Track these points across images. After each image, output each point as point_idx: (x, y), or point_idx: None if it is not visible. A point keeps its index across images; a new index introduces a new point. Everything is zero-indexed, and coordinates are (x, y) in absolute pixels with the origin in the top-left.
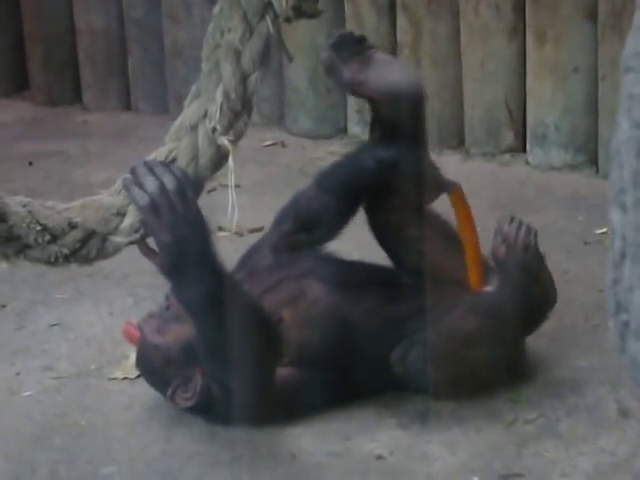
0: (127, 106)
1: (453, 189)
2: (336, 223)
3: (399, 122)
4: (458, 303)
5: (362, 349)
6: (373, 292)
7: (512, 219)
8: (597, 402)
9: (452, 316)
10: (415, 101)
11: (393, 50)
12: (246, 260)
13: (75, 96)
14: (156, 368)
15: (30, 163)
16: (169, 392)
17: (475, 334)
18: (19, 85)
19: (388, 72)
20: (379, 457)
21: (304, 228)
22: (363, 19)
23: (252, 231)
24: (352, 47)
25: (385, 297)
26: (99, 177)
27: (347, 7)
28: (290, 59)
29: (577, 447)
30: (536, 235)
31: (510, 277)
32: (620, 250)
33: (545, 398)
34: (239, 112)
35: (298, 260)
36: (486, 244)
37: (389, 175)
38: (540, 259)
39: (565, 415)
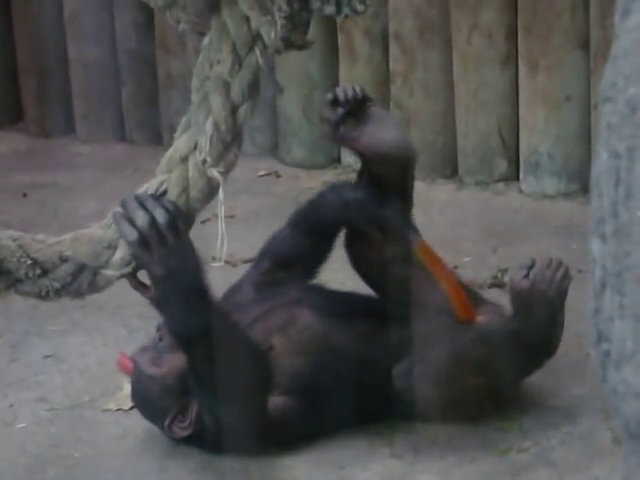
0: (121, 137)
1: (414, 244)
2: (312, 260)
3: (387, 180)
4: (467, 329)
5: (354, 376)
6: (362, 320)
7: (550, 259)
8: (591, 431)
9: (461, 341)
10: (405, 162)
11: (386, 79)
12: (228, 297)
13: (69, 127)
14: (152, 399)
15: (24, 195)
16: (167, 422)
17: (481, 361)
18: (13, 117)
19: (382, 130)
20: None
21: (281, 266)
22: (356, 49)
23: (245, 262)
24: (350, 103)
25: (375, 325)
26: (93, 208)
27: (340, 37)
28: (280, 91)
29: (571, 476)
30: (569, 280)
31: (526, 309)
32: (600, 280)
33: (539, 427)
34: (229, 144)
35: (286, 290)
36: (479, 273)
37: (357, 218)
38: (563, 299)
39: (559, 444)
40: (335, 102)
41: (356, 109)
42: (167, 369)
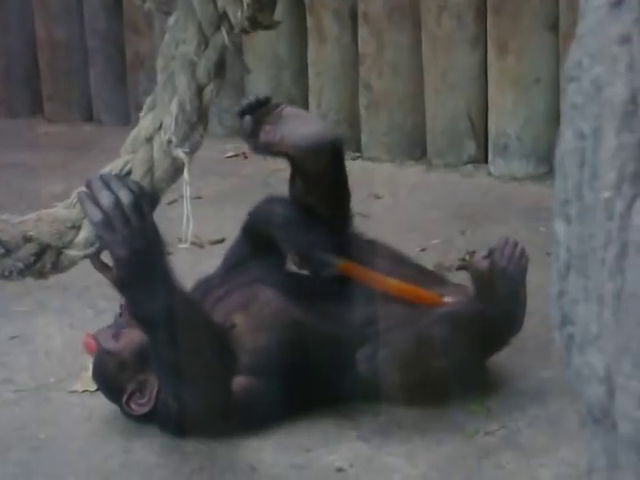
0: (89, 117)
1: (333, 267)
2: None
3: (319, 176)
4: (429, 311)
5: (317, 354)
6: (324, 299)
7: (506, 239)
8: (558, 413)
9: (423, 323)
10: (331, 151)
11: (355, 61)
12: (197, 290)
13: (37, 108)
14: (110, 375)
15: None
16: (124, 398)
17: (445, 343)
18: None
19: (300, 126)
20: (339, 469)
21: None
22: (325, 30)
23: (213, 243)
24: (259, 110)
25: (336, 304)
26: (60, 189)
27: (309, 19)
28: (247, 71)
29: (538, 458)
30: (526, 259)
31: (488, 288)
32: (565, 262)
33: (506, 409)
34: (195, 124)
35: (248, 271)
36: (447, 256)
37: (280, 238)
38: (523, 276)
39: (526, 426)
40: (243, 113)
41: (268, 115)
42: (124, 343)
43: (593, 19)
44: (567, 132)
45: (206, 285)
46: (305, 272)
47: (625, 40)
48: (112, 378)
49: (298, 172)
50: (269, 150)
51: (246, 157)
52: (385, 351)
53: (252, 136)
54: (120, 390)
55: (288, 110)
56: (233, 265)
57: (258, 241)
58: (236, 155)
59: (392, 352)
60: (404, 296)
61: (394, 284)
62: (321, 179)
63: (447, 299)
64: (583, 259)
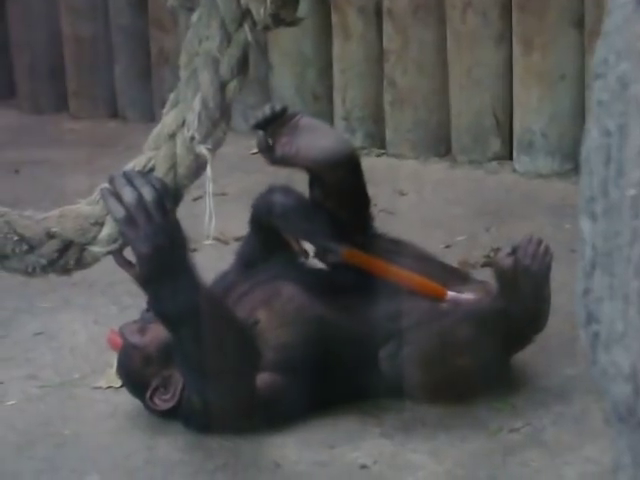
0: (114, 114)
1: (338, 254)
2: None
3: (338, 186)
4: (454, 309)
5: (340, 349)
6: (347, 294)
7: (530, 236)
8: (583, 411)
9: (447, 321)
10: (348, 162)
11: (380, 57)
12: (216, 284)
13: (62, 104)
14: (135, 370)
15: (16, 171)
16: (148, 393)
17: (469, 341)
18: (5, 93)
19: (316, 139)
20: (363, 466)
21: (252, 266)
22: (349, 26)
23: (237, 239)
24: (275, 122)
25: (359, 299)
26: (85, 185)
27: (334, 15)
28: (269, 67)
29: (562, 456)
30: (551, 256)
31: (512, 286)
32: (590, 260)
33: (531, 407)
34: (217, 120)
35: (270, 267)
36: (472, 252)
37: (280, 226)
38: (547, 274)
39: (551, 424)
40: (258, 127)
41: (284, 127)
42: (150, 338)
43: (619, 16)
44: (593, 129)
45: (223, 281)
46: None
47: None
48: (137, 372)
49: (316, 182)
50: (286, 163)
51: (270, 163)
52: (408, 349)
53: (267, 150)
54: (144, 385)
55: (304, 121)
56: (247, 260)
57: (266, 233)
58: None
59: (415, 350)
60: (407, 285)
61: (398, 272)
62: (339, 189)
63: (466, 295)
64: (608, 257)
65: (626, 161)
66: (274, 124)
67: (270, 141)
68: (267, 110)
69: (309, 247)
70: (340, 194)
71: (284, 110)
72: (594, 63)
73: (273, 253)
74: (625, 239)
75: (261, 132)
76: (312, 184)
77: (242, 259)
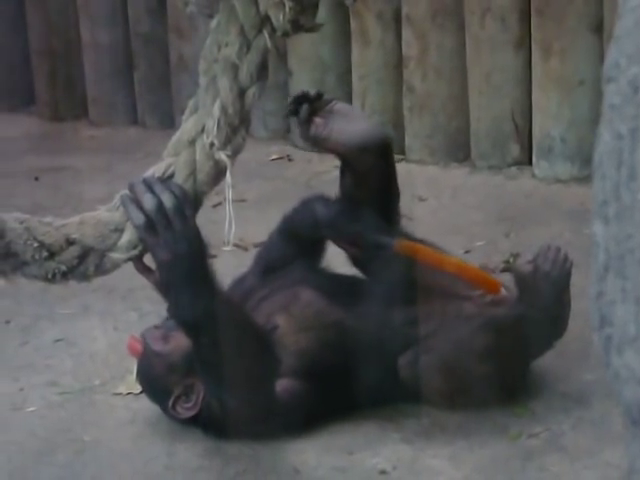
0: (134, 120)
1: (392, 248)
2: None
3: (368, 173)
4: (474, 316)
5: (358, 355)
6: (365, 300)
7: (549, 244)
8: (602, 415)
9: (467, 328)
10: (380, 150)
11: (399, 63)
12: (233, 288)
13: (82, 111)
14: (157, 377)
15: (36, 178)
16: (171, 401)
17: (489, 348)
18: (26, 100)
19: (350, 124)
20: (382, 472)
21: (274, 271)
22: (368, 33)
23: (257, 245)
24: (311, 105)
25: (378, 303)
26: (105, 192)
27: (352, 21)
28: (288, 72)
29: (582, 461)
30: (570, 263)
31: (532, 292)
32: (603, 263)
33: (550, 412)
34: (237, 127)
35: (289, 273)
36: (491, 258)
37: (329, 235)
38: (567, 280)
39: (570, 429)
40: (297, 102)
41: (320, 110)
42: (173, 346)
43: (630, 20)
44: (605, 133)
45: (241, 285)
46: (363, 264)
47: None
48: (159, 380)
49: (347, 168)
50: (317, 143)
51: (290, 160)
52: (428, 357)
53: (304, 126)
54: (166, 393)
55: (339, 106)
56: (269, 266)
57: (297, 242)
58: (280, 158)
59: (435, 358)
60: (463, 276)
61: (454, 262)
62: (370, 177)
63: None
64: (621, 260)
65: (638, 164)
66: (310, 107)
67: (307, 118)
68: (301, 94)
69: (358, 248)
70: (370, 182)
71: (321, 94)
72: (605, 67)
73: (295, 260)
74: (637, 242)
75: (303, 107)
76: (343, 172)
77: (262, 264)
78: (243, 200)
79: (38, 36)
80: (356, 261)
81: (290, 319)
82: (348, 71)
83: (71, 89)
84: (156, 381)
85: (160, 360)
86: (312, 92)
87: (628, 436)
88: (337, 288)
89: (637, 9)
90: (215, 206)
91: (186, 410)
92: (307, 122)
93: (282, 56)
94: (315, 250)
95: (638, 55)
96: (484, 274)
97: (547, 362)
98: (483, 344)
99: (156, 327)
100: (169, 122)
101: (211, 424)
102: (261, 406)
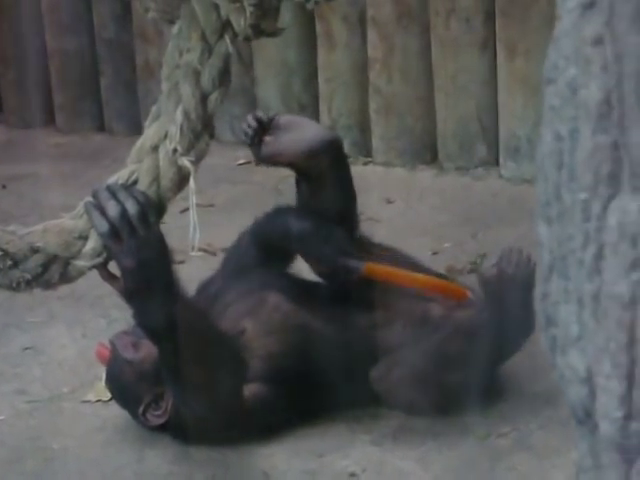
0: (100, 127)
1: (359, 271)
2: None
3: (323, 179)
4: (441, 320)
5: (328, 359)
6: (333, 304)
7: (510, 247)
8: (570, 415)
9: (436, 337)
10: (331, 152)
11: (364, 65)
12: (200, 292)
13: (48, 118)
14: (127, 384)
15: (3, 186)
16: (141, 409)
17: (458, 355)
18: None
19: (297, 133)
20: (352, 474)
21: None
22: (334, 35)
23: (225, 250)
24: (260, 128)
25: (345, 310)
26: (73, 199)
27: (318, 24)
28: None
29: (550, 460)
30: (534, 263)
31: (498, 295)
32: (548, 264)
33: (518, 411)
34: (199, 132)
35: (256, 277)
36: (459, 259)
37: (298, 250)
38: (532, 280)
39: (538, 428)
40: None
41: (268, 129)
42: (144, 354)
43: (568, 21)
44: (546, 134)
45: (208, 289)
46: (327, 279)
47: (598, 42)
48: (129, 388)
49: (302, 178)
50: (271, 161)
51: (257, 164)
52: (399, 370)
53: (255, 148)
54: (136, 400)
55: (284, 119)
56: (237, 268)
57: (266, 248)
58: (247, 162)
59: (407, 370)
60: (432, 290)
61: (421, 279)
62: (325, 181)
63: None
64: (563, 260)
65: (577, 165)
66: (257, 130)
67: (252, 138)
68: (250, 116)
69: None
70: (326, 187)
71: (259, 115)
72: (545, 68)
73: (264, 264)
74: (578, 243)
75: (247, 135)
76: (298, 183)
77: (230, 266)
78: (211, 205)
79: (4, 43)
80: (321, 274)
81: (257, 323)
82: (314, 74)
83: (37, 96)
84: (126, 388)
85: (130, 368)
86: (263, 115)
87: (576, 436)
88: (304, 292)
89: (573, 10)
90: (182, 212)
91: (156, 418)
92: (258, 144)
93: (248, 61)
94: (284, 257)
95: (576, 56)
96: (451, 285)
97: (515, 362)
98: (453, 351)
99: (125, 333)
100: (136, 128)
101: (179, 430)
102: (227, 412)
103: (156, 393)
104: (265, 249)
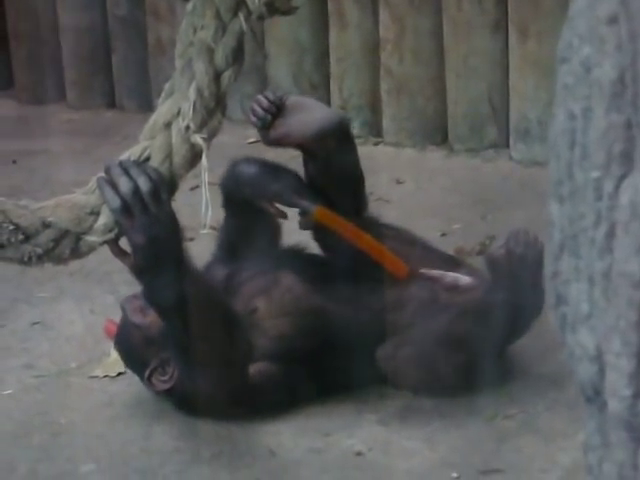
0: (111, 104)
1: (310, 211)
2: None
3: (332, 160)
4: (449, 302)
5: (338, 339)
6: (345, 283)
7: (518, 229)
8: (577, 397)
9: (445, 318)
10: (339, 133)
11: (376, 46)
12: (209, 268)
13: (59, 94)
14: (135, 348)
15: (14, 161)
16: (146, 373)
17: (466, 337)
18: (3, 83)
19: (305, 114)
20: (358, 453)
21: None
22: (346, 15)
23: None
24: (269, 110)
25: (357, 288)
26: (83, 175)
27: (330, 4)
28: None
29: (556, 442)
30: (542, 244)
31: (506, 276)
32: (559, 242)
33: (525, 393)
34: (213, 110)
35: (269, 255)
36: (468, 240)
37: (250, 194)
38: (540, 261)
39: (545, 410)
40: (257, 111)
41: (277, 110)
42: (151, 320)
43: (583, 0)
44: (559, 113)
45: (209, 272)
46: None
47: (612, 21)
48: (136, 351)
49: (310, 158)
50: (279, 143)
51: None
52: (407, 350)
53: (263, 132)
54: (143, 364)
55: (292, 100)
56: (228, 246)
57: (240, 211)
58: (258, 141)
59: (414, 350)
60: (372, 255)
61: (367, 239)
62: (333, 162)
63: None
64: (575, 239)
65: (590, 144)
66: (267, 113)
67: (262, 123)
68: (261, 97)
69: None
70: (334, 168)
71: (270, 94)
72: (559, 47)
73: (252, 234)
74: (589, 221)
75: (260, 128)
76: (306, 163)
77: (222, 246)
78: None
79: (16, 19)
80: (316, 236)
81: (269, 303)
82: (326, 54)
83: (49, 72)
84: (133, 352)
85: (138, 332)
86: (270, 95)
87: (584, 414)
88: (317, 273)
89: None
90: (193, 189)
91: (161, 383)
92: (267, 128)
93: (260, 39)
94: (249, 208)
95: (590, 35)
96: (394, 257)
97: (523, 344)
98: (461, 332)
99: (135, 297)
100: (147, 105)
101: (184, 401)
102: (233, 389)
103: (162, 358)
104: (236, 212)
